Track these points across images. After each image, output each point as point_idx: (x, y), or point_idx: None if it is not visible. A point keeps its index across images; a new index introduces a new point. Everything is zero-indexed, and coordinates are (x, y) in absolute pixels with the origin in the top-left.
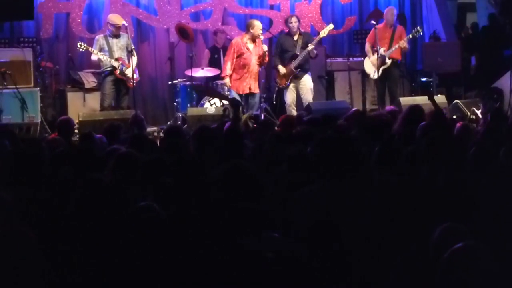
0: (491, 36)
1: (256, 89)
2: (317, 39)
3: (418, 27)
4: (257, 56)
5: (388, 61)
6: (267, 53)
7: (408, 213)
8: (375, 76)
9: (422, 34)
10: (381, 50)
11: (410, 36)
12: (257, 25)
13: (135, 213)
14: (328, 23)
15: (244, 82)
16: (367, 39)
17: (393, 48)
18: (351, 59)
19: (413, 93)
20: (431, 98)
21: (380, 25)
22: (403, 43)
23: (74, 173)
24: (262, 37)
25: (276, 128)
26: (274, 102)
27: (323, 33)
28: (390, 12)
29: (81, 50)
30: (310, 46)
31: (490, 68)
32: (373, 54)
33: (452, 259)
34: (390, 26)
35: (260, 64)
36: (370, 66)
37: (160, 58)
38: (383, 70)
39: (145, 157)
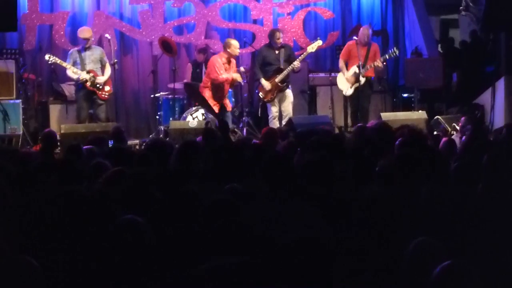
0: (473, 52)
1: (228, 107)
2: (305, 54)
3: (394, 48)
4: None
5: (362, 79)
6: (242, 74)
7: (385, 228)
8: (348, 93)
9: (403, 52)
10: (355, 68)
11: (387, 56)
12: (234, 44)
13: (119, 227)
14: (311, 38)
15: (222, 95)
16: (340, 56)
17: (368, 67)
18: (333, 74)
19: (394, 108)
20: None
21: (352, 42)
22: (378, 63)
23: (56, 186)
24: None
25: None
26: (260, 116)
27: (311, 48)
28: (364, 32)
29: (50, 62)
30: (297, 62)
31: (471, 84)
32: (348, 70)
33: (442, 277)
34: (364, 45)
35: (231, 85)
36: (344, 83)
37: (143, 71)
38: (355, 88)
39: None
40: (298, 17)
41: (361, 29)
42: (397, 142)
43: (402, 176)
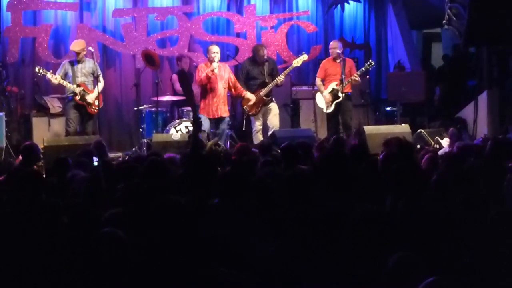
0: (455, 66)
1: (225, 113)
2: (290, 68)
3: (370, 60)
4: (223, 80)
5: (341, 95)
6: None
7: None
8: (329, 110)
9: (386, 65)
10: (333, 85)
11: (363, 69)
12: (210, 49)
13: (99, 239)
14: (294, 52)
15: (213, 106)
16: (317, 75)
17: (345, 83)
18: (316, 87)
19: (377, 122)
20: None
21: (326, 60)
22: (355, 77)
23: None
24: (216, 60)
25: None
26: (244, 129)
27: (297, 62)
28: (331, 46)
29: (39, 74)
30: (282, 77)
31: (454, 98)
32: (326, 88)
33: None
34: (338, 61)
35: (228, 88)
36: (322, 101)
37: (126, 84)
38: (336, 104)
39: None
40: (281, 31)
41: (330, 44)
42: (381, 156)
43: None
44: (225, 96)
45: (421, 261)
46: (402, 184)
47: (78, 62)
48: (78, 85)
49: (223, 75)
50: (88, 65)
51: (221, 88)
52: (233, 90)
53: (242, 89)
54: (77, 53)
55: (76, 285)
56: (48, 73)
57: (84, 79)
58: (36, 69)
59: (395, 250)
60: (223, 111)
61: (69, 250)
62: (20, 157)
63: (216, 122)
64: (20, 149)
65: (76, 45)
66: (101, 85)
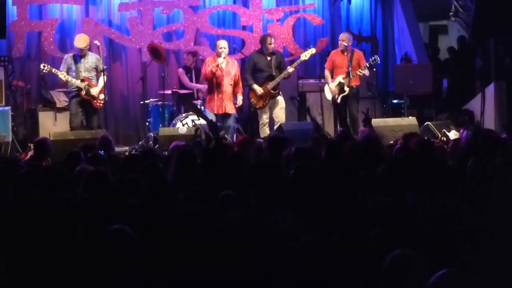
0: (461, 58)
1: (231, 110)
2: (298, 61)
3: (375, 56)
4: (229, 76)
5: (347, 89)
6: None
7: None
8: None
9: (393, 58)
10: (340, 78)
11: (367, 64)
12: (217, 44)
13: (107, 236)
14: (300, 45)
15: (218, 102)
16: (325, 66)
17: (351, 76)
18: (323, 80)
19: (384, 114)
20: None
21: (335, 51)
22: (361, 72)
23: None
24: (223, 56)
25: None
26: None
27: (305, 56)
28: (340, 38)
29: (44, 71)
30: (290, 69)
31: (461, 90)
32: (333, 80)
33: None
34: (346, 53)
35: (234, 84)
36: (330, 93)
37: (132, 78)
38: (342, 97)
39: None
40: (287, 24)
41: (340, 36)
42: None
43: (392, 183)
44: (231, 93)
45: (422, 260)
46: (416, 178)
47: (81, 57)
48: (82, 80)
49: (230, 71)
50: (91, 59)
51: (227, 85)
52: (233, 86)
53: (241, 88)
54: (81, 50)
55: (83, 283)
56: (53, 69)
57: (87, 74)
58: (41, 66)
59: (399, 246)
60: (229, 108)
61: (78, 248)
62: (31, 152)
63: (222, 117)
64: (33, 144)
65: (81, 41)
66: (104, 78)
